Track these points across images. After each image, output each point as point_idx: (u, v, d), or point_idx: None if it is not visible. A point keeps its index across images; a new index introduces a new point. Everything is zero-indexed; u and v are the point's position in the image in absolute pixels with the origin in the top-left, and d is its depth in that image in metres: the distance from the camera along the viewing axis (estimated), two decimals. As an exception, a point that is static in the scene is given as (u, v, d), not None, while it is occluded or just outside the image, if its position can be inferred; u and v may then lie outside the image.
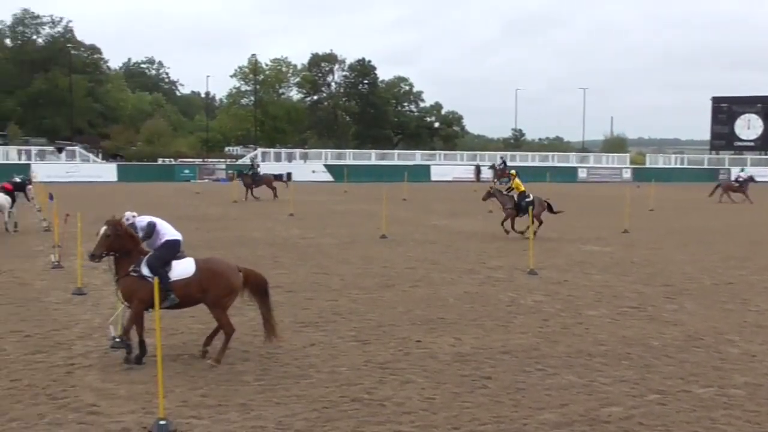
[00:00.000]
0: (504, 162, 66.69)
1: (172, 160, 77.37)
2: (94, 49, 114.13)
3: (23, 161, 62.78)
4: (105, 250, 10.33)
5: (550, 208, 24.96)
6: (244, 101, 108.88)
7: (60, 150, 70.35)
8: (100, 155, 75.98)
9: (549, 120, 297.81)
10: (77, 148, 71.56)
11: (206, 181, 66.19)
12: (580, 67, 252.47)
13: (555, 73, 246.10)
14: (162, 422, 7.89)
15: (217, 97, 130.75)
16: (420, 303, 14.42)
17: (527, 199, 24.66)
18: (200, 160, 77.98)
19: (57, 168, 63.78)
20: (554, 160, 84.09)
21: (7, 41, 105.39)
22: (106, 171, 67.14)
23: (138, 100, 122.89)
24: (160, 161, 76.33)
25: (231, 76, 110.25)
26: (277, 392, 9.16)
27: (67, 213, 18.87)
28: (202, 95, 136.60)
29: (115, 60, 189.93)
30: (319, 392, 9.17)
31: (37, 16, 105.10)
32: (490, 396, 9.12)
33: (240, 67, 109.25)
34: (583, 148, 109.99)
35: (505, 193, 25.85)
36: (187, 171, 69.06)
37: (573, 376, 9.91)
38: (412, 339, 11.73)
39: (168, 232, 10.62)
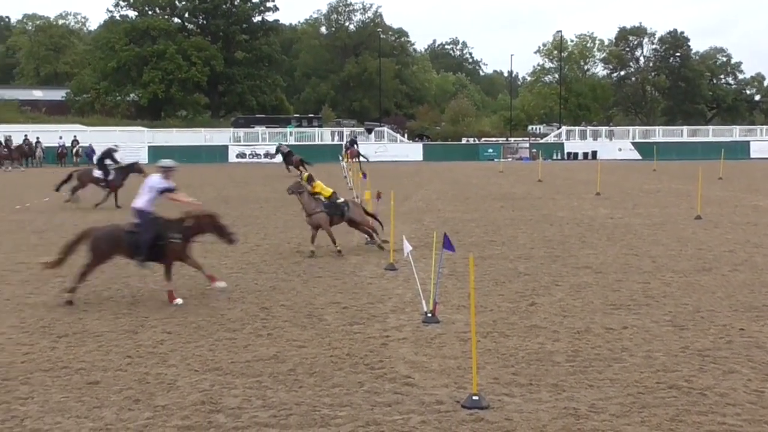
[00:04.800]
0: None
1: (475, 139, 78.47)
2: (401, 33, 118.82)
3: (336, 142, 66.66)
4: None
5: None
6: (547, 78, 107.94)
7: (369, 131, 73.80)
8: (406, 135, 78.77)
9: None
10: (385, 129, 74.71)
11: (509, 160, 66.46)
12: None
13: None
14: (475, 397, 7.92)
15: (520, 76, 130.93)
16: (742, 288, 13.36)
17: None
18: (503, 139, 78.40)
19: (366, 148, 67.03)
20: None
21: (323, 29, 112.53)
22: (412, 150, 69.50)
23: (442, 81, 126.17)
24: (463, 140, 77.74)
25: (534, 53, 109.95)
26: (589, 374, 8.87)
27: (379, 191, 19.62)
28: (505, 74, 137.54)
29: (420, 42, 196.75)
30: (634, 377, 8.75)
31: (350, 4, 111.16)
32: (831, 394, 8.20)
33: (544, 44, 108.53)
34: None
35: None
36: (490, 150, 69.72)
37: None
38: (734, 327, 10.88)
39: None
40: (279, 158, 47.54)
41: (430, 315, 11.32)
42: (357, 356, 9.65)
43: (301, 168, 45.83)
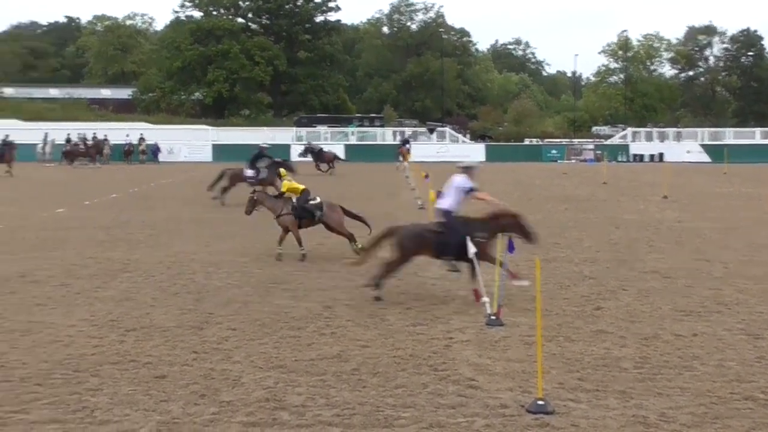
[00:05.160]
0: None
1: (538, 140, 77.78)
2: (463, 33, 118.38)
3: (397, 142, 66.68)
4: None
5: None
6: (612, 79, 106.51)
7: (431, 131, 73.65)
8: (468, 136, 78.40)
9: None
10: (447, 129, 74.48)
11: (573, 161, 65.72)
12: None
13: None
14: (540, 402, 7.81)
15: (584, 76, 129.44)
16: (818, 296, 12.98)
17: None
18: (567, 140, 77.55)
19: (428, 148, 66.90)
20: None
21: (384, 29, 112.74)
22: (475, 151, 69.04)
23: (504, 81, 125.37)
24: (526, 141, 77.12)
25: (599, 53, 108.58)
26: (658, 382, 8.68)
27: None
28: (569, 74, 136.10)
29: (483, 42, 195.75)
30: (706, 386, 8.53)
31: (412, 4, 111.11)
32: None
33: (609, 44, 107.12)
34: None
35: None
36: (554, 151, 69.04)
37: None
38: (812, 336, 10.55)
39: None
40: (310, 158, 47.51)
41: (493, 317, 11.22)
42: (420, 357, 9.60)
43: (332, 164, 46.29)
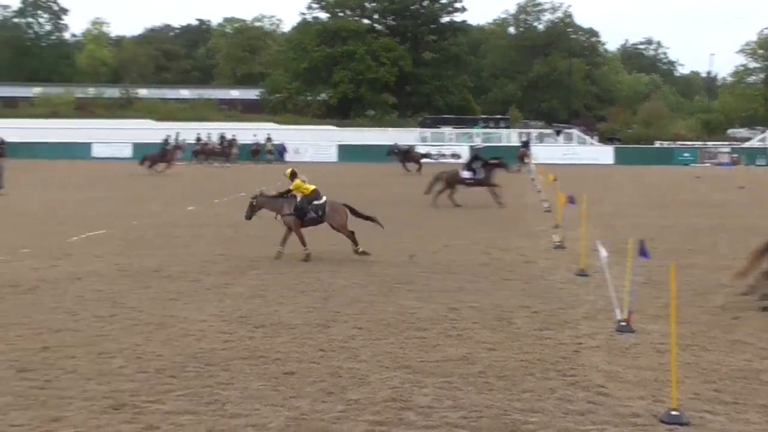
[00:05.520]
0: None
1: (670, 142, 75.47)
2: (591, 33, 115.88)
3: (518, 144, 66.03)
4: None
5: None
6: (750, 79, 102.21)
7: (558, 132, 72.57)
8: (596, 138, 76.83)
9: None
10: (574, 131, 73.22)
11: (707, 165, 63.45)
12: None
13: None
14: (674, 412, 7.52)
15: (719, 76, 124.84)
16: None
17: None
18: (700, 142, 74.94)
19: (555, 150, 65.93)
20: None
21: (511, 29, 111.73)
22: (603, 153, 67.70)
23: (634, 82, 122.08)
24: (657, 144, 74.96)
25: (737, 53, 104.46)
26: (803, 397, 8.24)
27: (569, 195, 19.18)
28: (703, 74, 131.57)
29: (612, 42, 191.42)
30: None
31: (539, 4, 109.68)
32: None
33: (748, 43, 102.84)
34: None
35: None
36: (686, 154, 66.89)
37: None
38: None
39: None
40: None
41: (624, 324, 10.91)
42: (548, 362, 9.41)
43: (420, 163, 46.50)
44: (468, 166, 28.88)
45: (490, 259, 16.78)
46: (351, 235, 16.68)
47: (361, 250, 16.43)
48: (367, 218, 17.11)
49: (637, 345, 10.15)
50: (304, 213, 16.54)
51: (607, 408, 7.88)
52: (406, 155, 48.50)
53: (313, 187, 16.77)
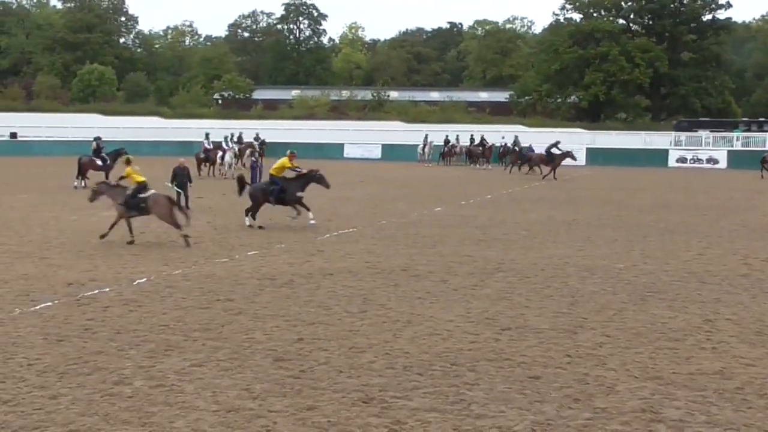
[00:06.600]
0: None
1: None
2: None
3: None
4: None
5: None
6: None
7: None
8: None
9: None
10: None
11: None
12: None
13: None
14: None
15: None
16: None
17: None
18: None
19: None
20: None
21: None
22: None
23: None
24: None
25: None
26: None
27: None
28: None
29: None
30: None
31: None
32: None
33: None
34: None
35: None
36: None
37: None
38: None
39: None
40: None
41: None
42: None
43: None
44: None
45: (750, 270, 15.78)
46: (176, 224, 18.20)
47: (186, 236, 17.93)
48: (183, 211, 19.10)
49: None
50: (131, 204, 18.37)
51: None
52: (520, 155, 49.64)
53: (143, 178, 18.52)
